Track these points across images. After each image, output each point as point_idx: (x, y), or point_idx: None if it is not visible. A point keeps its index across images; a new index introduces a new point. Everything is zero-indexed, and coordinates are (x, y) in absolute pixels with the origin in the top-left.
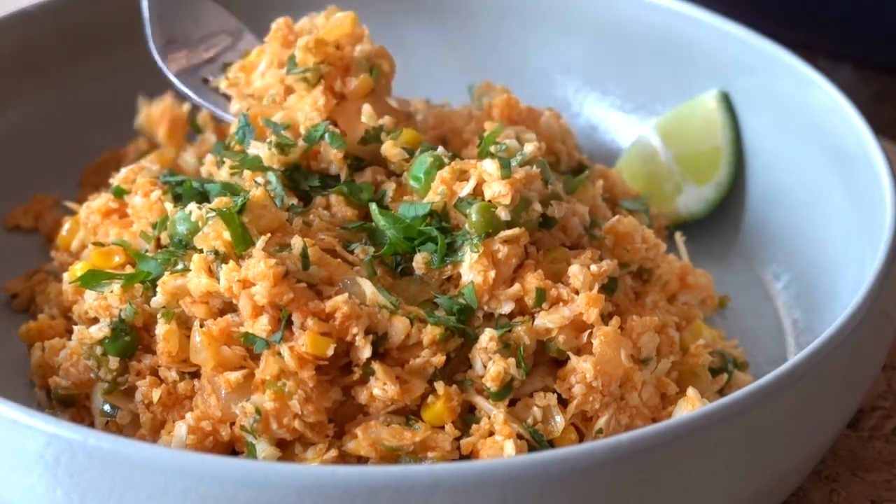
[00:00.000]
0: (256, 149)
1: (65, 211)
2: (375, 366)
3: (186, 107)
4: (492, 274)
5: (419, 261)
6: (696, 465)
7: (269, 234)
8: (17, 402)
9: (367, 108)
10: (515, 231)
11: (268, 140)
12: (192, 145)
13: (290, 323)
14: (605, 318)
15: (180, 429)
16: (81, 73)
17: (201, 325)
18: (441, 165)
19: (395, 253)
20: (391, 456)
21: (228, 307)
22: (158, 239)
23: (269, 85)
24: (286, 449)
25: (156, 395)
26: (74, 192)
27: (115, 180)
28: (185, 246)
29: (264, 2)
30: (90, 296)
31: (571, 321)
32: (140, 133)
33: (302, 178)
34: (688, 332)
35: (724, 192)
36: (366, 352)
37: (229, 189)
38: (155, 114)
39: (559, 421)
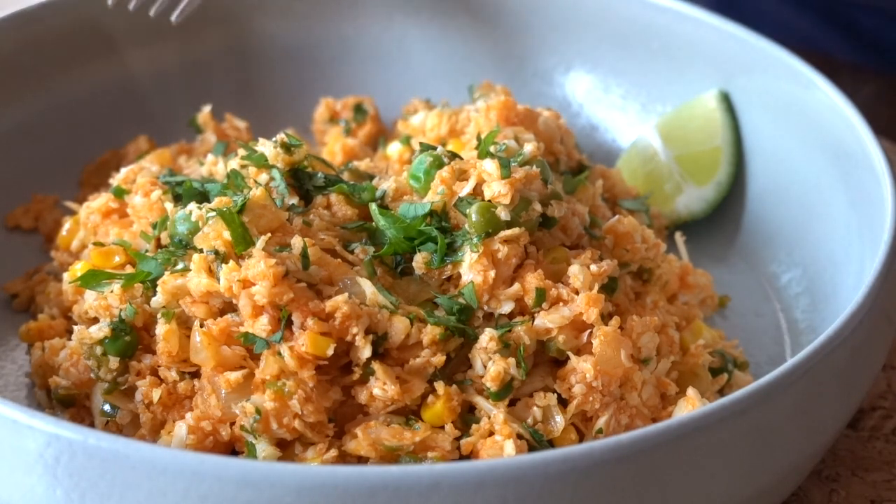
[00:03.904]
0: (263, 146)
1: (65, 211)
2: (375, 366)
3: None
4: (492, 274)
5: (419, 261)
6: (696, 465)
7: (269, 234)
8: (17, 402)
9: None
10: (515, 231)
11: (274, 139)
12: (192, 145)
13: (290, 323)
14: (605, 318)
15: (180, 429)
16: (81, 73)
17: (201, 325)
18: (441, 165)
19: (395, 253)
20: (391, 456)
21: (228, 307)
22: (158, 239)
23: None
24: (286, 449)
25: (156, 395)
26: (74, 192)
27: (115, 180)
28: (185, 246)
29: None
30: (90, 296)
31: (571, 321)
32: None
33: (306, 178)
34: (688, 332)
35: (724, 192)
36: (366, 352)
37: (233, 176)
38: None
39: (559, 421)
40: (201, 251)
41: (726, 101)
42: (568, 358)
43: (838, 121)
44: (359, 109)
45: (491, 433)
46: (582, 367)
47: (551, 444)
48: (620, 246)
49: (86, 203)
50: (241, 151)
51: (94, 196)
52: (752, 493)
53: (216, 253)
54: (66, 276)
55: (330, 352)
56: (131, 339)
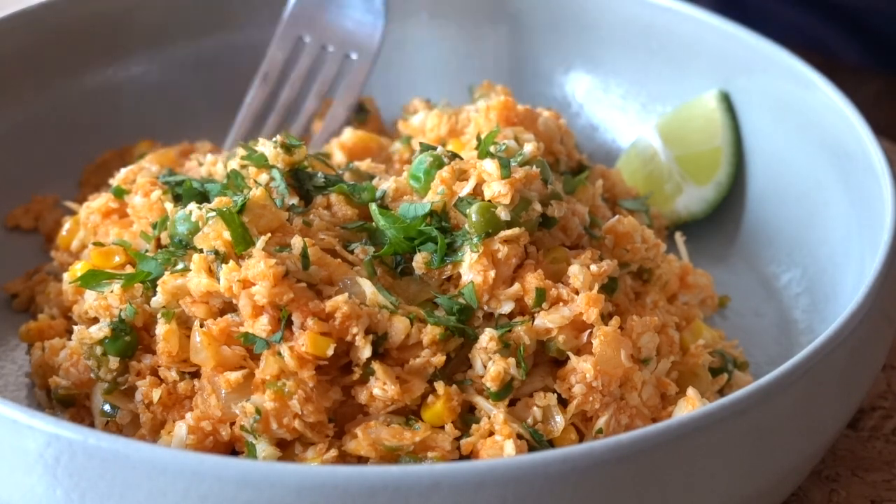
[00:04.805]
0: (263, 147)
1: (65, 211)
2: (375, 366)
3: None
4: (492, 274)
5: (419, 261)
6: (695, 465)
7: (269, 234)
8: (17, 402)
9: None
10: (515, 231)
11: (274, 139)
12: (193, 145)
13: (290, 323)
14: (605, 318)
15: (180, 429)
16: (82, 73)
17: (201, 325)
18: (441, 165)
19: (395, 253)
20: (391, 456)
21: (228, 307)
22: (158, 239)
23: None
24: (286, 449)
25: (156, 395)
26: (74, 192)
27: (115, 180)
28: (185, 246)
29: None
30: (90, 296)
31: (571, 321)
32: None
33: (306, 178)
34: (688, 332)
35: (724, 192)
36: (366, 352)
37: (233, 176)
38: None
39: (559, 421)
40: (201, 251)
41: (726, 101)
42: (568, 358)
43: (838, 121)
44: (359, 109)
45: (491, 433)
46: (582, 367)
47: (551, 444)
48: (620, 246)
49: (86, 203)
50: (241, 151)
51: (94, 196)
52: (752, 493)
53: (216, 253)
54: (66, 276)
55: (330, 352)
56: (131, 339)
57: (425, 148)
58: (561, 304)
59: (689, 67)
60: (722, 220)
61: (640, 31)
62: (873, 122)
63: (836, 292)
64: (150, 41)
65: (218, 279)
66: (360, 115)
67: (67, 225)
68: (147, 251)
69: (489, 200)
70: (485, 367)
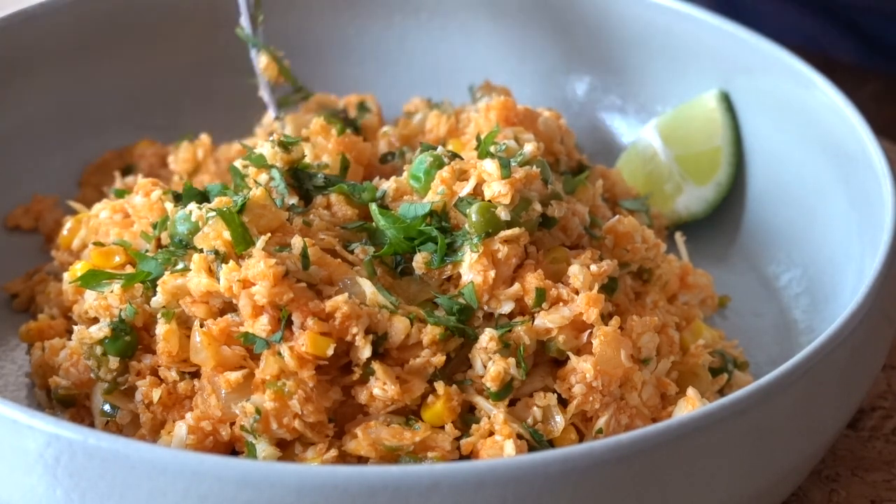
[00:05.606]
0: (261, 146)
1: (65, 211)
2: (375, 366)
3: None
4: (492, 274)
5: (419, 261)
6: (695, 466)
7: (269, 234)
8: (17, 402)
9: None
10: (515, 231)
11: (271, 138)
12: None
13: (290, 323)
14: (605, 318)
15: (180, 429)
16: (81, 73)
17: (201, 325)
18: (441, 165)
19: (395, 253)
20: (391, 456)
21: (228, 307)
22: (159, 239)
23: None
24: (286, 449)
25: (156, 395)
26: (74, 192)
27: (119, 183)
28: (185, 246)
29: None
30: (90, 296)
31: (571, 321)
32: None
33: (305, 178)
34: (688, 332)
35: (724, 192)
36: (366, 352)
37: (233, 176)
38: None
39: (559, 421)
40: (201, 251)
41: (726, 101)
42: (568, 358)
43: (838, 121)
44: (361, 108)
45: (491, 433)
46: (582, 367)
47: (551, 444)
48: (620, 246)
49: (95, 207)
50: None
51: (102, 206)
52: (752, 493)
53: (216, 253)
54: (66, 276)
55: (330, 352)
56: (131, 339)
57: (425, 148)
58: (561, 304)
59: (689, 67)
60: (722, 220)
61: (640, 31)
62: (873, 122)
63: (836, 292)
64: (150, 41)
65: (218, 279)
66: (361, 113)
67: (69, 224)
68: (147, 251)
69: (489, 200)
70: (485, 367)
